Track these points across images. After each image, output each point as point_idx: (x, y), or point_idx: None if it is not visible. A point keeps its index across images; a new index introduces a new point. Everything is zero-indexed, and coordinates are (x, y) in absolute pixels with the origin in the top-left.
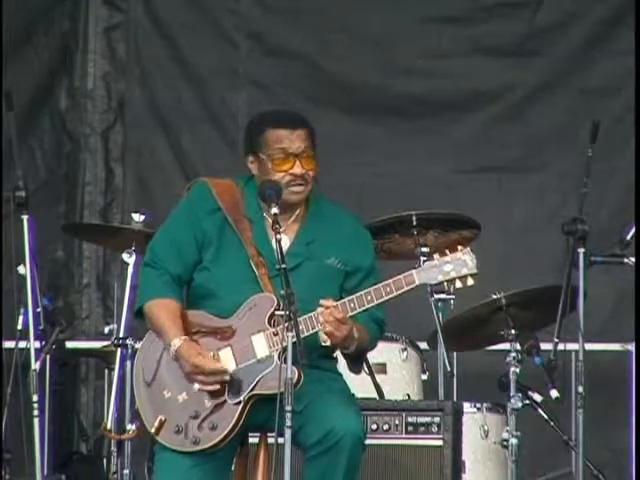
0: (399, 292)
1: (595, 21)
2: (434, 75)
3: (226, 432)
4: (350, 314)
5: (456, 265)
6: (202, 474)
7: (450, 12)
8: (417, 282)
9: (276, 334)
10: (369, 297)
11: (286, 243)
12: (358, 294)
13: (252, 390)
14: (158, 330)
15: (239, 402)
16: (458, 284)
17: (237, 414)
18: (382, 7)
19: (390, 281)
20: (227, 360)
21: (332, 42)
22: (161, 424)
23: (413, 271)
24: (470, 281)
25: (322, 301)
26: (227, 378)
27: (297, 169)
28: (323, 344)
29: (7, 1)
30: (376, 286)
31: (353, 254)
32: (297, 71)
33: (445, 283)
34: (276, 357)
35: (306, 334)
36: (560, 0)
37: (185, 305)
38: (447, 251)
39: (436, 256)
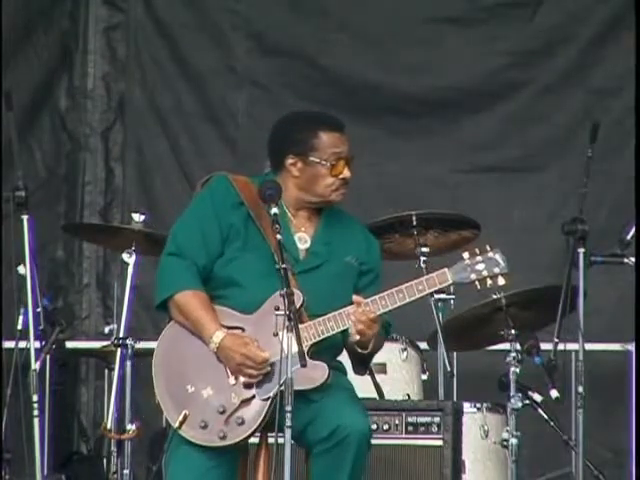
0: (431, 290)
1: (595, 21)
2: (434, 75)
3: (254, 427)
4: (381, 311)
5: (488, 264)
6: (218, 468)
7: (450, 12)
8: (450, 280)
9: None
10: (401, 295)
11: (307, 242)
12: (389, 292)
13: (282, 386)
14: (193, 322)
15: (268, 398)
16: (489, 283)
17: (265, 409)
18: (382, 7)
19: (422, 279)
20: None
21: (332, 42)
22: (185, 418)
23: (446, 269)
24: (501, 280)
25: (354, 298)
26: (269, 369)
27: (348, 173)
28: (352, 340)
29: (7, 1)
30: (408, 284)
31: (368, 255)
32: (297, 71)
33: (477, 282)
34: (306, 353)
35: (336, 330)
36: (560, 0)
37: None
38: (477, 250)
39: (466, 255)
